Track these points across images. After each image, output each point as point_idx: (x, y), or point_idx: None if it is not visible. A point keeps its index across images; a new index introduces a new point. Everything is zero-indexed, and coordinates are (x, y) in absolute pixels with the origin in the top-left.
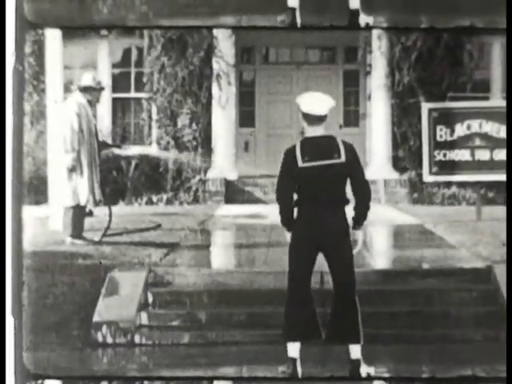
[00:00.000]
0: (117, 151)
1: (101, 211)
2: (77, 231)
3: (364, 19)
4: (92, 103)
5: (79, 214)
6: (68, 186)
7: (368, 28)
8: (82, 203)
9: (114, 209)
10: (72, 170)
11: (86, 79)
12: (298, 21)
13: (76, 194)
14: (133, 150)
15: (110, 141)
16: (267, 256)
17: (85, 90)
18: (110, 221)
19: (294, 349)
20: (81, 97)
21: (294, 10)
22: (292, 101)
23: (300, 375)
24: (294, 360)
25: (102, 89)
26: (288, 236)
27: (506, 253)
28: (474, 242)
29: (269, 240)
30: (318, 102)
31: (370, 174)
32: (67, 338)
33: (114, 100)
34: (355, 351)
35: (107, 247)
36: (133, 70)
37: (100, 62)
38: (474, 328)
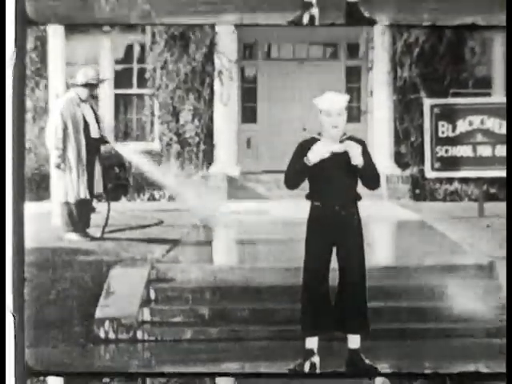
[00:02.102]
0: (118, 147)
1: (103, 207)
2: (71, 227)
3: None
4: (86, 99)
5: (72, 209)
6: (57, 182)
7: (370, 24)
8: (69, 200)
9: (117, 205)
10: (58, 166)
11: (80, 75)
12: (316, 17)
13: (65, 190)
14: (135, 146)
15: (111, 137)
16: (269, 252)
17: (80, 85)
18: (107, 217)
19: (312, 341)
20: (73, 93)
21: (310, 5)
22: (295, 97)
23: (318, 368)
24: (311, 351)
25: (100, 81)
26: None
27: (506, 249)
28: (476, 238)
29: (271, 236)
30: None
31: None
32: (69, 334)
33: (117, 96)
34: (354, 341)
35: (109, 243)
36: (135, 66)
37: (102, 58)
38: (475, 324)
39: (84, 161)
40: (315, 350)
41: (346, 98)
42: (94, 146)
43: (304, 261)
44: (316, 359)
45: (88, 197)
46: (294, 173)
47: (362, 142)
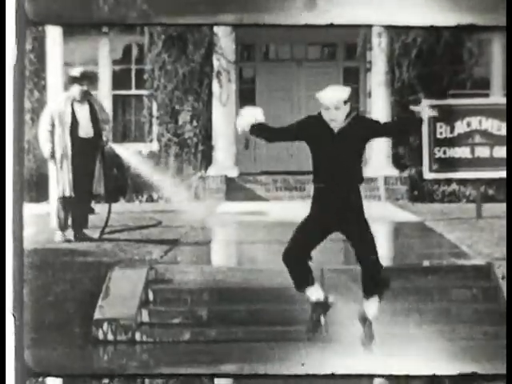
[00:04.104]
0: (116, 148)
1: (102, 209)
2: (62, 224)
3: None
4: (82, 99)
5: (59, 208)
6: (51, 181)
7: (368, 25)
8: (57, 197)
9: (115, 206)
10: (51, 157)
11: (73, 71)
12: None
13: (56, 188)
14: (133, 147)
15: (110, 137)
16: (268, 253)
17: (72, 82)
18: (107, 218)
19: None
20: (71, 93)
21: None
22: (292, 97)
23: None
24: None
25: (88, 75)
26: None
27: (506, 250)
28: (474, 240)
29: (269, 237)
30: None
31: (370, 171)
32: (68, 335)
33: (115, 97)
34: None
35: (108, 244)
36: (133, 67)
37: (101, 59)
38: (474, 325)
39: (69, 159)
40: (323, 302)
41: (346, 91)
42: (86, 145)
43: (294, 234)
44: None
45: (72, 195)
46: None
47: (357, 117)
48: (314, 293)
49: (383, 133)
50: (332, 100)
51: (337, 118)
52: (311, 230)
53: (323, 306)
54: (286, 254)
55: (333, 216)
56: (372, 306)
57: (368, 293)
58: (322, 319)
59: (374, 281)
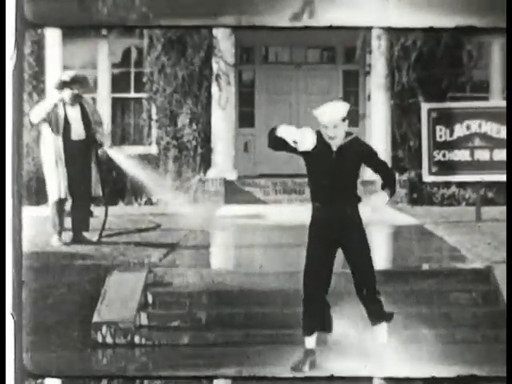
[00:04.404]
0: (112, 153)
1: (101, 211)
2: (58, 227)
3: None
4: (72, 101)
5: (57, 210)
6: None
7: (367, 28)
8: (52, 200)
9: (114, 209)
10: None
11: (63, 76)
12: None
13: (50, 191)
14: (132, 150)
15: (108, 141)
16: (266, 256)
17: (63, 86)
18: (105, 221)
19: (311, 341)
20: (62, 95)
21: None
22: (292, 100)
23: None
24: (311, 351)
25: (79, 78)
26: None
27: (506, 253)
28: (474, 243)
29: (268, 240)
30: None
31: (369, 174)
32: (67, 338)
33: (114, 100)
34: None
35: (107, 247)
36: (133, 70)
37: (100, 62)
38: (473, 328)
39: (63, 162)
40: (314, 350)
41: (344, 108)
42: (79, 147)
43: (305, 264)
44: (315, 358)
45: (67, 196)
46: (281, 141)
47: (355, 139)
48: (311, 341)
49: (372, 165)
50: (330, 118)
51: (335, 136)
52: (318, 255)
53: (312, 353)
54: (305, 299)
55: (333, 233)
56: (382, 332)
57: (373, 318)
58: (307, 366)
59: (374, 303)
